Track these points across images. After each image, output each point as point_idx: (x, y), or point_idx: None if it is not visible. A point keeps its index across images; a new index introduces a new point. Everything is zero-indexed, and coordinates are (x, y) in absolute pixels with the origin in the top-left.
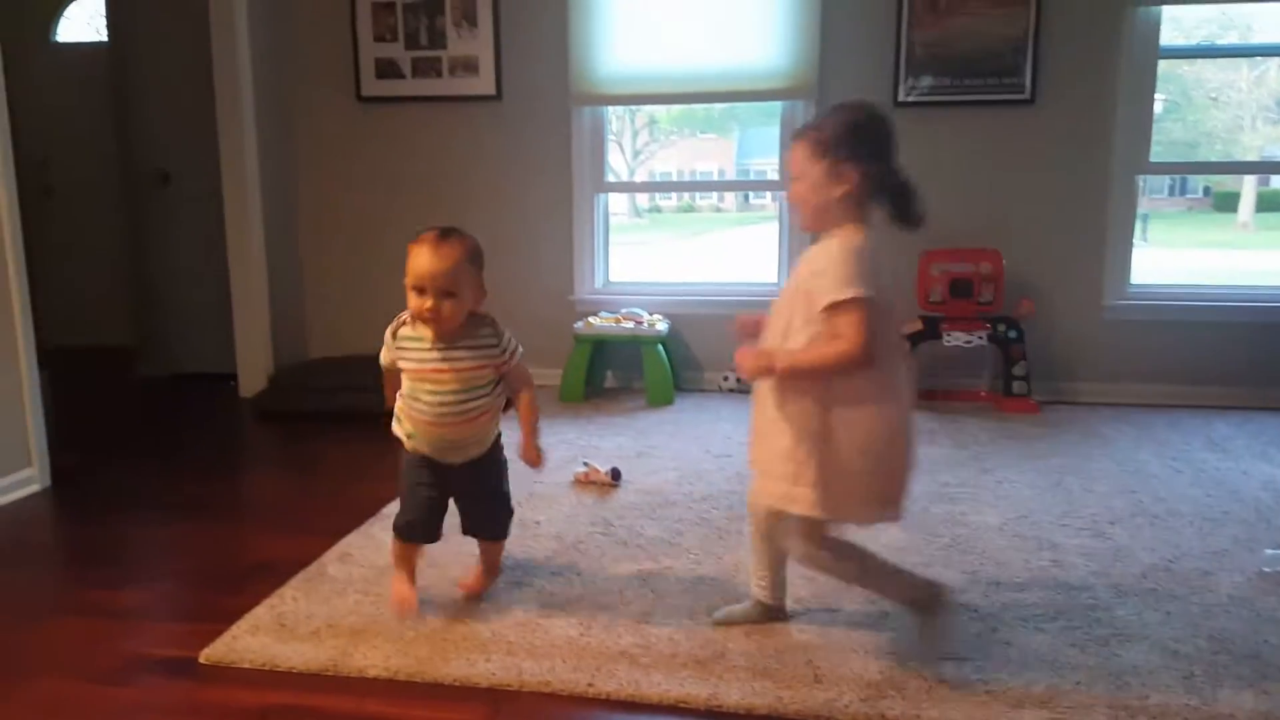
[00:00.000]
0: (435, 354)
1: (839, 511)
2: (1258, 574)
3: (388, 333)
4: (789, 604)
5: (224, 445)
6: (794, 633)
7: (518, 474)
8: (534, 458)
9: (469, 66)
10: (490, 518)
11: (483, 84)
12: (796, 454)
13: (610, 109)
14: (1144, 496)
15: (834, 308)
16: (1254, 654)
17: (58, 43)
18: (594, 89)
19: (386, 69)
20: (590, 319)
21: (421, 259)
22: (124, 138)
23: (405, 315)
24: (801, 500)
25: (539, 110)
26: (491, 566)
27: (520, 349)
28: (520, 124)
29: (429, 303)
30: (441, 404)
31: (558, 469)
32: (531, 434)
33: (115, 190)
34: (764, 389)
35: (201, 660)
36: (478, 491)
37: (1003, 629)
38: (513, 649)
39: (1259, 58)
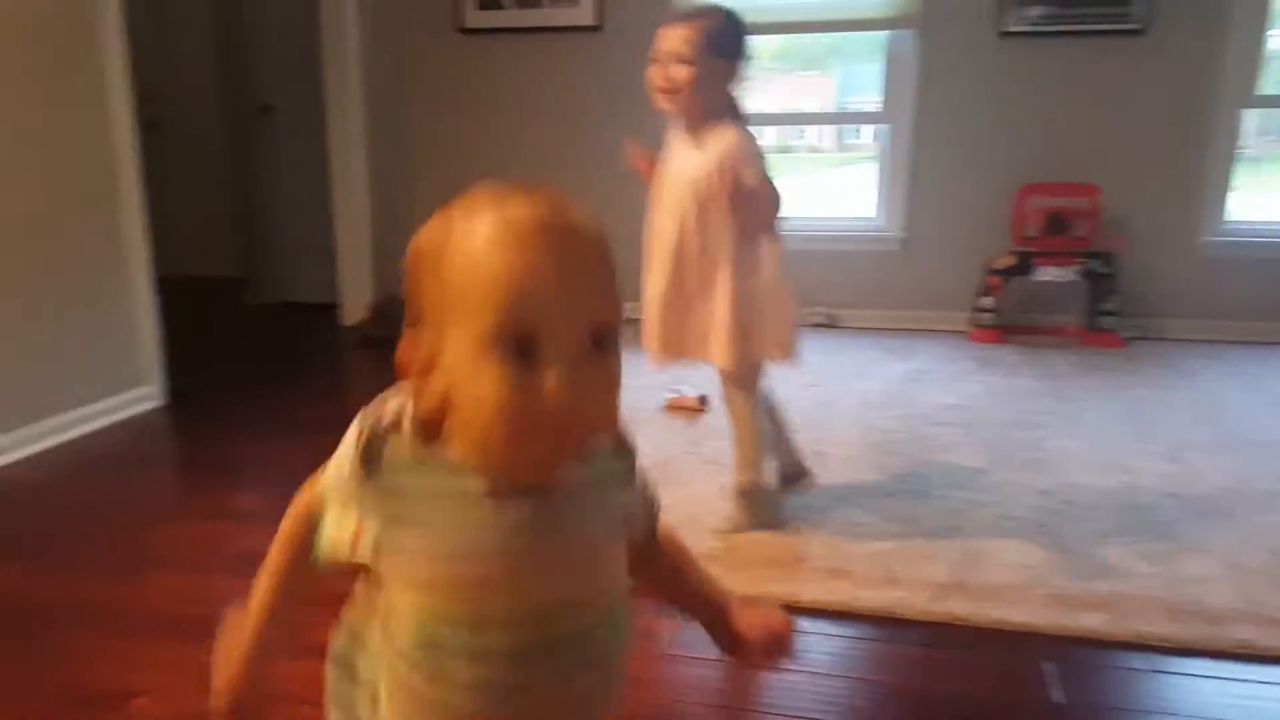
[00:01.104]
0: (507, 517)
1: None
2: None
3: (343, 468)
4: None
5: (329, 369)
6: (873, 541)
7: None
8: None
9: None
10: None
11: (583, 14)
12: (717, 322)
13: None
14: (1223, 426)
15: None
16: None
17: None
18: None
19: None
20: None
21: (524, 256)
22: (226, 70)
23: (391, 412)
24: (721, 355)
25: (641, 41)
26: None
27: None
28: (621, 55)
29: (555, 374)
30: (544, 649)
31: (648, 394)
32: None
33: (218, 123)
34: (689, 286)
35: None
36: None
37: (1070, 542)
38: None
39: None
